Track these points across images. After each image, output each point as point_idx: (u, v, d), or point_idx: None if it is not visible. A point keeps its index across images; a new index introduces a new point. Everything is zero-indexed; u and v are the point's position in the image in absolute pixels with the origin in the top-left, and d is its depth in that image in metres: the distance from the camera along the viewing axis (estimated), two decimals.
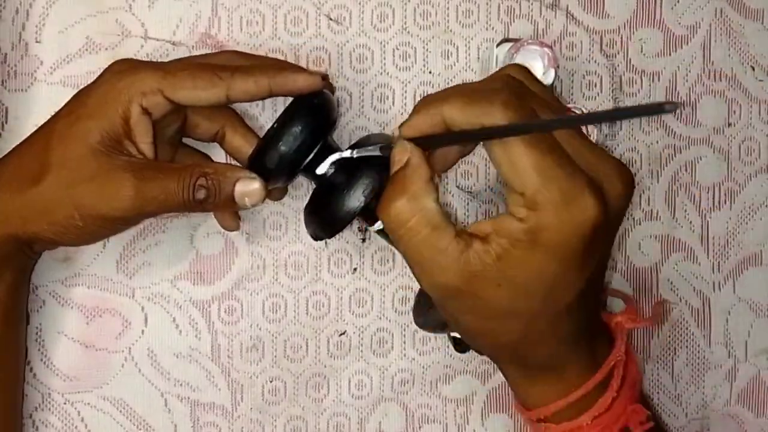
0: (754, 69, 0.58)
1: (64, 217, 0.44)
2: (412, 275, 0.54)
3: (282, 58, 0.54)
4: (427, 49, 0.55)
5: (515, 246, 0.39)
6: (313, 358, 0.55)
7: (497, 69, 0.51)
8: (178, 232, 0.53)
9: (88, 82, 0.52)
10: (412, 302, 0.55)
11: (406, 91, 0.55)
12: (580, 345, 0.44)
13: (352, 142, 0.53)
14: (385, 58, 0.55)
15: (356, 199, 0.46)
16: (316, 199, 0.50)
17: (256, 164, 0.46)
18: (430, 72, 0.55)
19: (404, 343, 0.56)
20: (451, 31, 0.55)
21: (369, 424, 0.56)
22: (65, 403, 0.53)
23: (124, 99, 0.44)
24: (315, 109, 0.47)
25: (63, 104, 0.47)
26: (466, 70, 0.55)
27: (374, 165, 0.47)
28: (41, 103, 0.52)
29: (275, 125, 0.46)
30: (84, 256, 0.52)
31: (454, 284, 0.40)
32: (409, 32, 0.55)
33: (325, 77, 0.48)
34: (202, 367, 0.54)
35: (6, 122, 0.52)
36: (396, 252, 0.55)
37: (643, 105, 0.49)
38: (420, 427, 0.56)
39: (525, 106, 0.39)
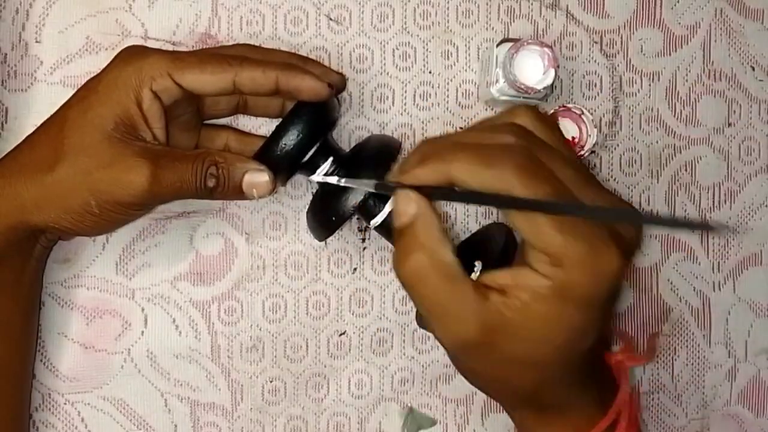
0: (754, 69, 0.58)
1: (80, 204, 0.44)
2: None
3: None
4: (427, 49, 0.55)
5: (537, 300, 0.38)
6: (313, 358, 0.55)
7: (497, 69, 0.51)
8: (178, 232, 0.53)
9: None
10: (411, 302, 0.55)
11: (405, 91, 0.55)
12: (589, 386, 0.44)
13: (353, 145, 0.53)
14: (384, 58, 0.55)
15: (353, 197, 0.47)
16: (315, 200, 0.51)
17: (258, 160, 0.47)
18: (430, 72, 0.55)
19: (404, 342, 0.56)
20: (451, 31, 0.55)
21: (369, 424, 0.56)
22: (65, 404, 0.53)
23: (135, 83, 0.45)
24: (314, 109, 0.47)
25: (72, 94, 0.47)
26: (466, 70, 0.55)
27: (371, 164, 0.48)
28: (41, 103, 0.52)
29: (276, 127, 0.47)
30: (83, 258, 0.52)
31: (473, 336, 0.39)
32: (409, 32, 0.55)
33: (332, 86, 0.48)
34: (202, 367, 0.54)
35: (6, 122, 0.52)
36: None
37: (683, 220, 0.46)
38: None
39: (540, 171, 0.38)
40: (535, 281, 0.38)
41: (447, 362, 0.56)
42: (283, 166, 0.47)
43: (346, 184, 0.46)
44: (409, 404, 0.56)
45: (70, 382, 0.53)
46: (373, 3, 0.54)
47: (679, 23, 0.57)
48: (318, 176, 0.48)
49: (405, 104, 0.55)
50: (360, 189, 0.47)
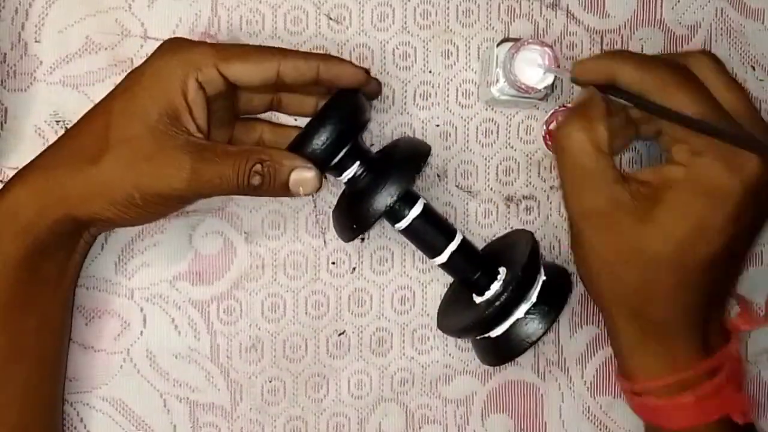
0: (754, 69, 0.58)
1: (124, 196, 0.44)
2: (410, 275, 0.55)
3: None
4: (427, 49, 0.55)
5: (673, 188, 0.41)
6: (312, 357, 0.55)
7: (497, 69, 0.51)
8: (177, 232, 0.53)
9: (88, 82, 0.52)
10: (411, 302, 0.55)
11: (406, 91, 0.55)
12: (697, 321, 0.44)
13: (381, 146, 0.53)
14: (384, 58, 0.55)
15: (383, 199, 0.47)
16: (344, 200, 0.51)
17: None
18: (430, 72, 0.55)
19: (403, 342, 0.56)
20: (451, 30, 0.55)
21: (369, 425, 0.56)
22: (64, 404, 0.53)
23: (181, 74, 0.45)
24: (346, 110, 0.47)
25: (116, 85, 0.47)
26: (466, 70, 0.55)
27: (401, 166, 0.48)
28: (40, 102, 0.52)
29: (307, 126, 0.47)
30: None
31: (601, 207, 0.43)
32: (409, 32, 0.55)
33: (368, 71, 0.49)
34: (201, 367, 0.54)
35: (5, 122, 0.52)
36: (395, 252, 0.55)
37: None
38: (420, 428, 0.56)
39: (701, 89, 0.43)
40: (674, 171, 0.42)
41: (447, 362, 0.56)
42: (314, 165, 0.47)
43: (553, 73, 0.49)
44: (408, 405, 0.56)
45: (69, 382, 0.52)
46: (373, 2, 0.54)
47: (680, 23, 0.57)
48: (354, 167, 0.49)
49: (405, 104, 0.55)
50: (386, 195, 0.47)
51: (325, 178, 0.52)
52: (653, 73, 0.43)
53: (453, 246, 0.50)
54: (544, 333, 0.49)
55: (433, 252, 0.51)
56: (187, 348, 0.54)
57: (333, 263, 0.55)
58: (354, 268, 0.55)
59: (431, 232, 0.50)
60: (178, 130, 0.45)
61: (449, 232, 0.51)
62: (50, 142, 0.48)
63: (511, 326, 0.49)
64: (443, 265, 0.51)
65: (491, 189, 0.56)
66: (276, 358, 0.55)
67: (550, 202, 0.56)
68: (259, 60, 0.46)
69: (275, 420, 0.55)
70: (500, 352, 0.50)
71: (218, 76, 0.45)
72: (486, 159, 0.56)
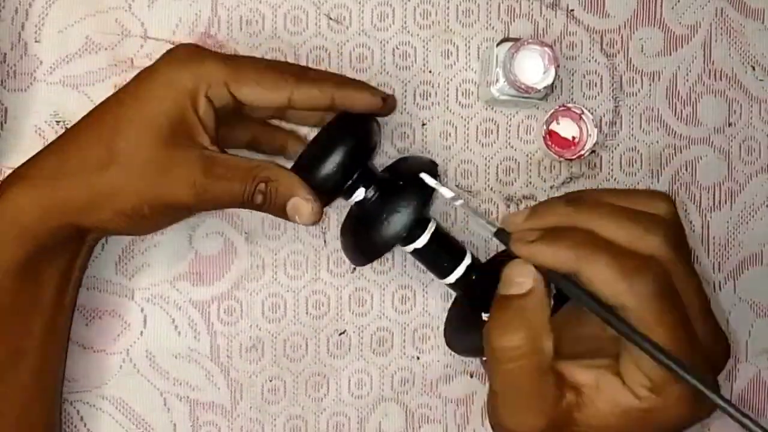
0: (754, 69, 0.58)
1: (131, 207, 0.44)
2: (411, 274, 0.55)
3: (282, 58, 0.53)
4: (427, 49, 0.55)
5: (618, 416, 0.37)
6: (312, 357, 0.55)
7: (497, 69, 0.51)
8: (177, 232, 0.53)
9: (88, 82, 0.52)
10: (411, 301, 0.55)
11: (406, 91, 0.55)
12: None
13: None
14: (384, 58, 0.55)
15: (397, 227, 0.46)
16: (354, 224, 0.50)
17: None
18: (430, 71, 0.55)
19: (404, 342, 0.56)
20: (451, 30, 0.55)
21: (369, 424, 0.56)
22: (65, 403, 0.53)
23: (192, 87, 0.44)
24: (357, 135, 0.46)
25: (126, 83, 0.46)
26: (466, 70, 0.55)
27: (413, 189, 0.46)
28: (40, 103, 0.52)
29: (315, 146, 0.46)
30: None
31: (538, 431, 0.38)
32: (409, 32, 0.55)
33: (386, 98, 0.47)
34: (201, 366, 0.54)
35: (5, 122, 0.52)
36: (395, 252, 0.55)
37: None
38: (420, 427, 0.56)
39: (673, 301, 0.37)
40: (624, 398, 0.37)
41: (447, 362, 0.56)
42: (321, 193, 0.46)
43: (472, 220, 0.45)
44: (408, 404, 0.56)
45: (69, 381, 0.53)
46: (373, 2, 0.54)
47: (680, 23, 0.57)
48: (364, 191, 0.47)
49: (405, 104, 0.55)
50: (400, 223, 0.45)
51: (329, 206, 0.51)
52: (632, 283, 0.36)
53: (462, 267, 0.49)
54: None
55: (442, 274, 0.50)
56: (187, 348, 0.54)
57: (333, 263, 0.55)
58: (354, 268, 0.55)
59: (441, 254, 0.49)
60: (189, 143, 0.44)
61: (459, 253, 0.50)
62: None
63: None
64: (452, 285, 0.50)
65: (491, 189, 0.56)
66: (276, 357, 0.55)
67: None
68: (272, 87, 0.45)
69: (275, 419, 0.55)
70: None
71: (228, 95, 0.45)
72: (486, 159, 0.56)
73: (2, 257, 0.44)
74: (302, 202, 0.44)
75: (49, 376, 0.49)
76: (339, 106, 0.46)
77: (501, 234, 0.40)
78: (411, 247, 0.49)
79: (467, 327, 0.52)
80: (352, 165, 0.46)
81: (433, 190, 0.46)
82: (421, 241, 0.48)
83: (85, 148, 0.45)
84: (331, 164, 0.45)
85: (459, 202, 0.44)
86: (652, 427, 0.37)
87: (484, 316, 0.50)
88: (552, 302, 0.40)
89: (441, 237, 0.49)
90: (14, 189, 0.44)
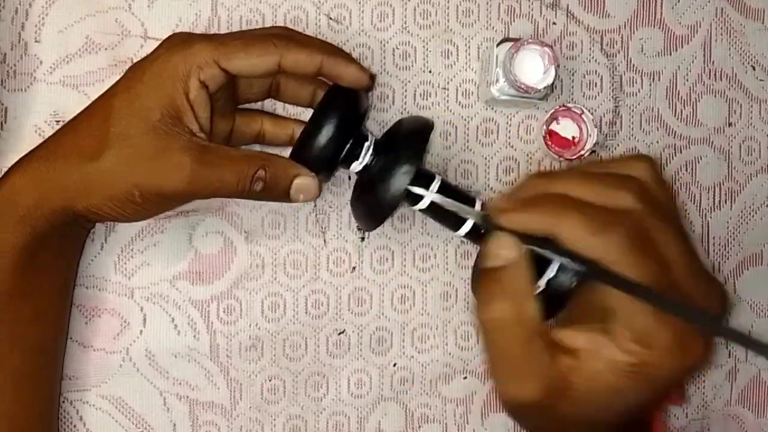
0: (754, 69, 0.58)
1: (123, 193, 0.45)
2: (411, 274, 0.55)
3: None
4: (427, 49, 0.55)
5: (613, 373, 0.38)
6: (312, 357, 0.55)
7: (497, 69, 0.51)
8: (177, 232, 0.53)
9: (88, 82, 0.52)
10: (411, 301, 0.55)
11: (406, 91, 0.55)
12: None
13: (385, 129, 0.52)
14: (384, 58, 0.55)
15: (401, 180, 0.46)
16: (359, 189, 0.50)
17: (294, 160, 0.47)
18: (430, 71, 0.55)
19: (403, 341, 0.56)
20: (451, 30, 0.55)
21: (368, 424, 0.56)
22: (64, 402, 0.53)
23: (182, 73, 0.45)
24: (345, 104, 0.47)
25: (117, 81, 0.47)
26: (466, 70, 0.55)
27: (409, 144, 0.48)
28: (40, 102, 0.52)
29: (308, 124, 0.47)
30: (82, 257, 0.52)
31: (534, 398, 0.38)
32: (409, 32, 0.55)
33: (373, 76, 0.49)
34: (200, 366, 0.54)
35: (5, 122, 0.52)
36: (395, 251, 0.55)
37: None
38: (420, 427, 0.57)
39: (648, 249, 0.38)
40: (616, 355, 0.37)
41: (447, 362, 0.56)
42: (322, 165, 0.47)
43: (450, 207, 0.46)
44: (407, 404, 0.56)
45: (69, 380, 0.53)
46: (373, 2, 0.54)
47: (680, 23, 0.57)
48: (430, 193, 0.48)
49: (405, 104, 0.55)
50: (405, 174, 0.46)
51: (332, 177, 0.52)
52: (605, 237, 0.38)
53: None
54: None
55: (455, 226, 0.49)
56: (187, 347, 0.54)
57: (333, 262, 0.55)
58: (354, 268, 0.55)
59: (453, 207, 0.48)
60: (180, 130, 0.45)
61: (470, 202, 0.49)
62: None
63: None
64: (467, 236, 0.49)
65: (491, 189, 0.56)
66: (276, 357, 0.55)
67: None
68: (261, 53, 0.45)
69: (275, 419, 0.55)
70: None
71: (219, 72, 0.45)
72: (486, 159, 0.56)
73: (2, 241, 0.45)
74: (305, 179, 0.46)
75: (43, 365, 0.49)
76: (327, 73, 0.47)
77: (484, 218, 0.42)
78: (422, 204, 0.48)
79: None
80: (344, 133, 0.47)
81: (426, 143, 0.48)
82: (429, 196, 0.48)
83: (80, 135, 0.46)
84: (323, 137, 0.46)
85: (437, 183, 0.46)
86: (647, 382, 0.38)
87: None
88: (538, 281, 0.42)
89: (448, 189, 0.49)
90: (14, 174, 0.46)
